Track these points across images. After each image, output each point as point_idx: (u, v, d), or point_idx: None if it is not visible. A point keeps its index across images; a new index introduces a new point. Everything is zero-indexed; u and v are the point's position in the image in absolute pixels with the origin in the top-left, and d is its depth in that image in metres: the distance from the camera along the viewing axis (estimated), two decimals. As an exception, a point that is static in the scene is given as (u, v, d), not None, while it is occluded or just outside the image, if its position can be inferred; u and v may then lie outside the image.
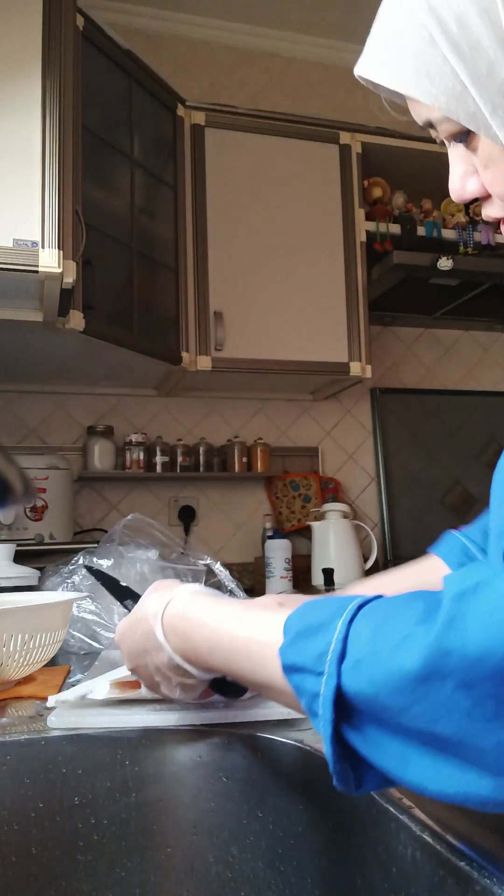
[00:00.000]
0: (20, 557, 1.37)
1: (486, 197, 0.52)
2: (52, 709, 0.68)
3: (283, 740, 0.58)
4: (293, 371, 2.38)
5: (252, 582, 2.47)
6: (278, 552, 2.38)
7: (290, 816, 0.57)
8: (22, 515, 1.99)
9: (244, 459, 2.55)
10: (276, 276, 2.37)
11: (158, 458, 2.46)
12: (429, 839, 0.39)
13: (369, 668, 0.37)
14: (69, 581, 1.13)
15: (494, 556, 0.57)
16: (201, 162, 2.35)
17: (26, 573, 1.28)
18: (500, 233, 0.56)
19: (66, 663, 0.99)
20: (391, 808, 0.44)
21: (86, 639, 1.07)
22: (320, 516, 2.51)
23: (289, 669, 0.41)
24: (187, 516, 2.56)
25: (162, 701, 0.65)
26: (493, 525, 0.58)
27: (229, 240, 2.33)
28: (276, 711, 0.62)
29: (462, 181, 0.52)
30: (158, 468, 2.46)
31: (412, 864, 0.41)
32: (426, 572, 0.71)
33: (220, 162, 2.37)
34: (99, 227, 1.92)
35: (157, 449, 2.47)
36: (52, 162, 1.60)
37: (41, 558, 1.65)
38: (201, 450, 2.53)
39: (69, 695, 0.69)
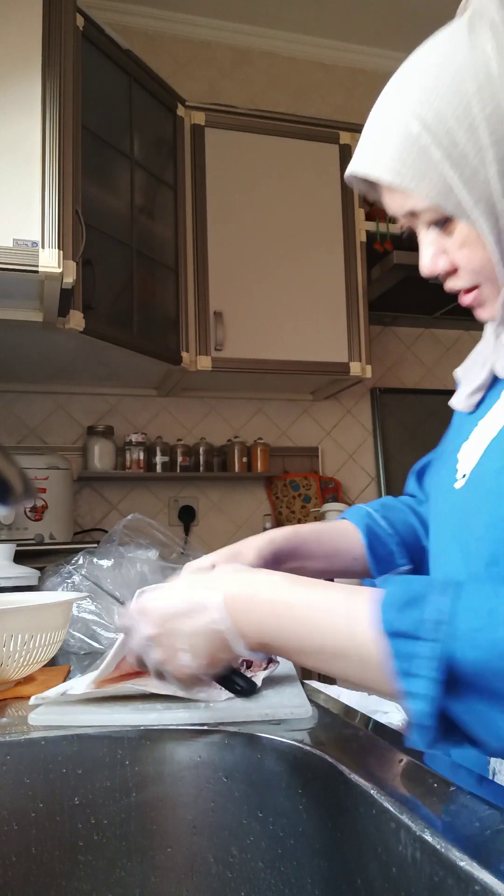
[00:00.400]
0: (20, 557, 1.37)
1: (453, 272, 0.62)
2: (36, 706, 0.68)
3: (283, 740, 0.58)
4: (293, 371, 2.38)
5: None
6: (278, 552, 2.38)
7: (290, 816, 0.57)
8: (22, 515, 1.99)
9: (244, 459, 2.55)
10: (276, 276, 2.37)
11: (158, 458, 2.46)
12: (429, 839, 0.39)
13: (482, 635, 0.42)
14: (69, 581, 1.13)
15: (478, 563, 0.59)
16: (201, 162, 2.35)
17: (26, 573, 1.28)
18: (461, 303, 0.66)
19: (66, 663, 0.99)
20: (391, 808, 0.44)
21: (86, 639, 1.07)
22: (320, 516, 2.51)
23: (391, 635, 0.45)
24: (187, 516, 2.56)
25: (145, 698, 0.65)
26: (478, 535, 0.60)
27: (229, 240, 2.33)
28: (274, 711, 0.62)
29: (434, 260, 0.62)
30: (158, 468, 2.46)
31: (412, 864, 0.41)
32: (341, 529, 0.83)
33: (220, 162, 2.37)
34: (99, 227, 1.92)
35: (157, 449, 2.47)
36: (52, 162, 1.60)
37: (41, 558, 1.65)
38: (201, 450, 2.53)
39: (50, 693, 0.69)
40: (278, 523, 2.64)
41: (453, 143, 0.55)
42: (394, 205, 0.62)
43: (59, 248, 1.57)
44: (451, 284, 0.64)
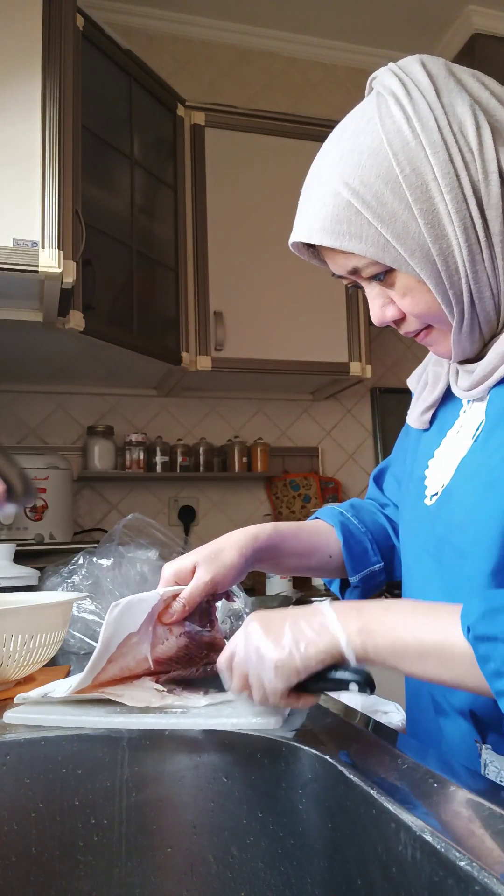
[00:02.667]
0: (20, 557, 1.37)
1: (402, 319, 0.68)
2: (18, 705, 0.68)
3: (284, 741, 0.58)
4: (293, 371, 2.38)
5: (252, 581, 2.47)
6: (278, 552, 2.38)
7: (290, 816, 0.56)
8: (22, 515, 1.99)
9: (244, 459, 2.55)
10: (276, 276, 2.37)
11: (158, 458, 2.46)
12: (429, 839, 0.39)
13: None
14: (69, 581, 1.13)
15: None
16: (201, 162, 2.35)
17: (26, 573, 1.28)
18: (419, 341, 0.71)
19: (66, 663, 0.99)
20: (391, 808, 0.44)
21: (86, 639, 1.07)
22: (320, 516, 2.50)
23: (479, 639, 0.49)
24: (187, 516, 2.56)
25: (122, 704, 0.65)
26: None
27: (229, 240, 2.33)
28: (238, 722, 0.61)
29: (382, 311, 0.68)
30: (158, 468, 2.46)
31: (412, 864, 0.41)
32: (317, 528, 0.87)
33: (220, 162, 2.37)
34: (99, 227, 1.92)
35: (157, 449, 2.47)
36: (52, 162, 1.60)
37: (41, 558, 1.65)
38: (201, 450, 2.53)
39: (32, 693, 0.69)
40: (278, 523, 2.64)
41: (381, 203, 0.61)
42: (337, 265, 0.67)
43: (59, 248, 1.57)
44: (404, 329, 0.69)
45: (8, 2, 1.61)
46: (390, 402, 2.89)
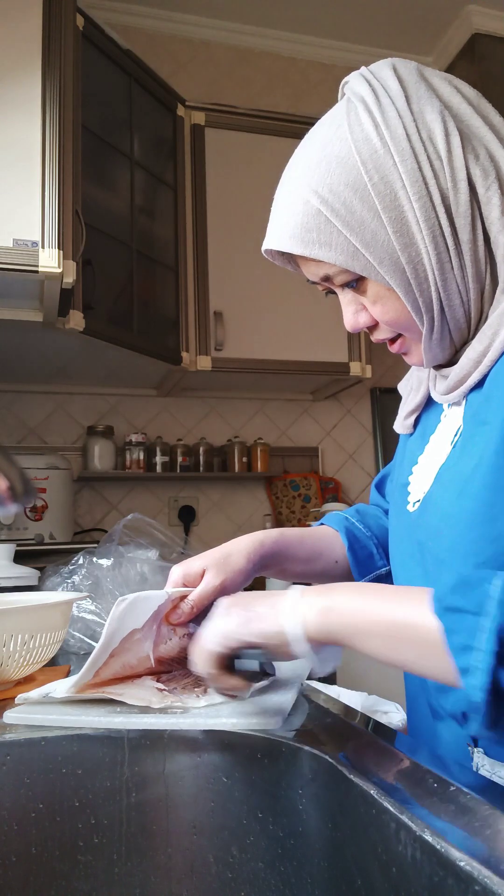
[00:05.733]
0: (20, 557, 1.37)
1: (375, 325, 0.69)
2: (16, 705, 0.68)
3: (284, 741, 0.58)
4: (293, 371, 2.38)
5: (252, 583, 2.47)
6: (278, 552, 2.38)
7: (290, 816, 0.56)
8: (22, 515, 1.99)
9: (244, 459, 2.55)
10: (276, 276, 2.36)
11: (158, 458, 2.46)
12: (429, 839, 0.39)
13: None
14: (69, 581, 1.13)
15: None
16: (201, 162, 2.35)
17: (26, 573, 1.28)
18: (391, 350, 0.72)
19: (66, 663, 0.99)
20: (391, 808, 0.44)
21: (86, 639, 1.07)
22: (320, 516, 2.50)
23: (446, 610, 0.48)
24: (187, 516, 2.56)
25: (122, 704, 0.65)
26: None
27: (229, 240, 2.33)
28: (238, 722, 0.61)
29: (355, 317, 0.68)
30: (158, 468, 2.46)
31: (412, 864, 0.41)
32: (322, 533, 0.88)
33: (220, 162, 2.37)
34: (99, 227, 1.92)
35: (157, 449, 2.47)
36: (52, 162, 1.60)
37: (41, 558, 1.65)
38: (201, 450, 2.53)
39: (33, 693, 0.69)
40: (278, 523, 2.64)
41: (350, 211, 0.61)
42: (310, 272, 0.68)
43: (59, 248, 1.57)
44: (375, 336, 0.70)
45: (8, 2, 1.61)
46: (390, 402, 2.89)
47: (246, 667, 0.61)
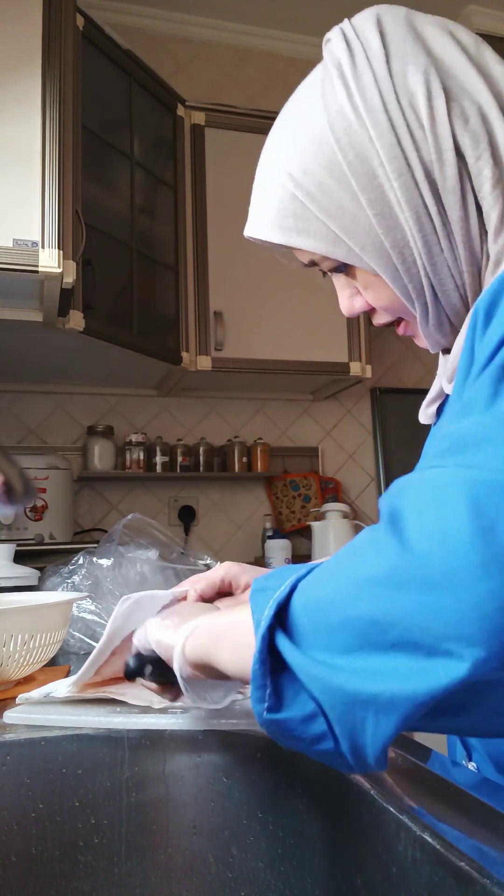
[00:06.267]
0: (20, 557, 1.37)
1: (372, 310, 0.63)
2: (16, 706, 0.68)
3: (283, 740, 0.58)
4: (293, 371, 2.38)
5: (252, 582, 2.47)
6: (278, 552, 2.39)
7: (290, 816, 0.57)
8: (22, 515, 1.99)
9: (244, 459, 2.55)
10: (276, 276, 2.37)
11: (158, 458, 2.46)
12: (429, 839, 0.39)
13: (323, 583, 0.40)
14: (69, 581, 1.13)
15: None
16: (201, 162, 2.35)
17: (26, 573, 1.28)
18: (398, 333, 0.67)
19: (66, 663, 0.99)
20: (391, 808, 0.44)
21: (86, 639, 1.07)
22: (320, 516, 2.51)
23: (254, 592, 0.44)
24: (187, 516, 2.56)
25: (122, 704, 0.65)
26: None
27: (229, 240, 2.33)
28: (238, 722, 0.61)
29: (350, 302, 0.64)
30: (158, 468, 2.46)
31: (412, 864, 0.41)
32: None
33: (220, 162, 2.37)
34: (99, 227, 1.92)
35: (157, 449, 2.47)
36: (52, 162, 1.60)
37: (41, 558, 1.65)
38: (201, 450, 2.53)
39: (34, 693, 0.69)
40: (278, 523, 2.64)
41: (326, 194, 0.55)
42: (299, 256, 0.63)
43: (59, 248, 1.57)
44: (376, 321, 0.65)
45: (8, 2, 1.61)
46: (390, 402, 2.89)
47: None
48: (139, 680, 0.60)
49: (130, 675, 0.58)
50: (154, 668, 0.58)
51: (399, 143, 0.53)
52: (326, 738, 0.40)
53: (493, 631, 0.33)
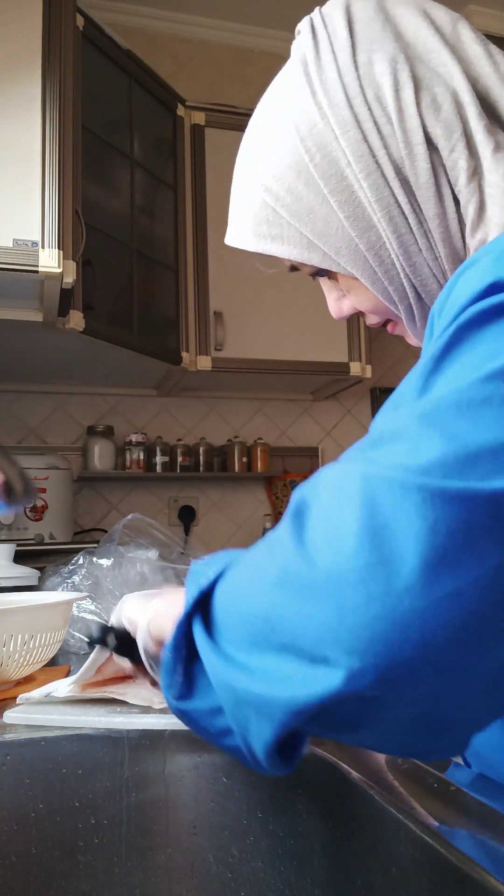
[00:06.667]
0: (20, 557, 1.37)
1: (361, 312, 0.61)
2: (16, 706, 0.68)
3: (283, 740, 0.58)
4: (293, 371, 2.38)
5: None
6: (278, 552, 2.38)
7: (290, 816, 0.57)
8: (22, 515, 1.99)
9: (244, 459, 2.55)
10: (276, 277, 2.36)
11: (158, 458, 2.46)
12: (429, 839, 0.39)
13: (242, 576, 0.39)
14: (69, 581, 1.13)
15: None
16: (201, 162, 2.35)
17: (26, 573, 1.28)
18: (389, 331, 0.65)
19: (66, 663, 0.99)
20: (391, 808, 0.44)
21: (86, 639, 1.07)
22: (320, 516, 2.50)
23: (190, 574, 0.44)
24: (187, 516, 2.56)
25: (122, 704, 0.65)
26: None
27: (229, 240, 2.33)
28: None
29: (338, 304, 0.62)
30: (158, 468, 2.46)
31: (412, 864, 0.41)
32: None
33: (220, 162, 2.37)
34: (99, 227, 1.92)
35: (157, 449, 2.47)
36: (52, 162, 1.60)
37: (41, 558, 1.65)
38: (201, 450, 2.53)
39: (34, 693, 0.69)
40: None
41: (297, 199, 0.53)
42: (284, 262, 0.61)
43: (59, 248, 1.57)
44: (368, 321, 0.63)
45: (8, 2, 1.61)
46: (390, 402, 2.89)
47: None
48: (115, 656, 0.61)
49: (93, 642, 0.59)
50: (121, 644, 0.59)
51: (366, 139, 0.50)
52: (231, 734, 0.39)
53: (370, 640, 0.31)
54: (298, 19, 0.59)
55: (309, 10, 0.58)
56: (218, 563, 0.42)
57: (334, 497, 0.35)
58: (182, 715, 0.42)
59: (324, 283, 0.62)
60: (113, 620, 0.60)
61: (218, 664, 0.38)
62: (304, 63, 0.53)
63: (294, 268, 0.60)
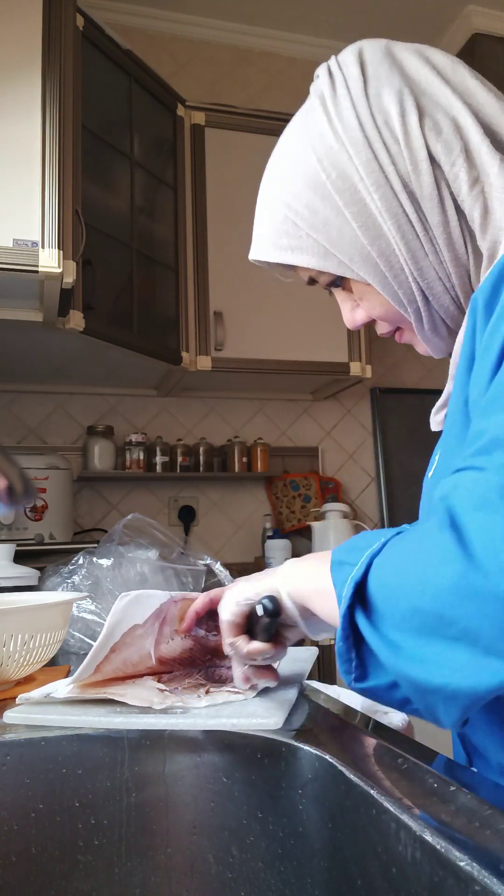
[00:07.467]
0: (20, 557, 1.37)
1: (373, 321, 0.68)
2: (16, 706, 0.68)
3: (284, 741, 0.58)
4: (293, 371, 2.38)
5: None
6: (278, 552, 2.38)
7: (290, 816, 0.56)
8: (22, 515, 1.99)
9: (244, 459, 2.55)
10: (277, 277, 2.36)
11: (158, 458, 2.46)
12: (429, 839, 0.39)
13: (395, 565, 0.45)
14: (69, 581, 1.13)
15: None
16: (201, 162, 2.35)
17: (26, 573, 1.28)
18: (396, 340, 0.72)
19: (66, 663, 0.99)
20: (391, 808, 0.44)
21: (86, 639, 1.07)
22: (320, 516, 2.51)
23: (334, 565, 0.51)
24: (187, 516, 2.56)
25: (123, 704, 0.65)
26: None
27: (229, 240, 2.33)
28: (238, 723, 0.61)
29: (351, 314, 0.69)
30: (158, 468, 2.46)
31: (412, 864, 0.41)
32: None
33: (220, 162, 2.37)
34: (99, 227, 1.92)
35: (157, 449, 2.47)
36: (52, 162, 1.60)
37: (41, 558, 1.65)
38: (201, 450, 2.53)
39: (34, 693, 0.69)
40: (278, 523, 2.64)
41: (313, 212, 0.61)
42: (301, 274, 0.69)
43: (59, 248, 1.57)
44: (378, 330, 0.70)
45: (8, 2, 1.61)
46: (390, 402, 2.89)
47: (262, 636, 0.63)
48: (248, 645, 0.62)
49: (271, 615, 0.60)
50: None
51: (376, 157, 0.58)
52: (411, 702, 0.47)
53: None
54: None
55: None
56: (357, 549, 0.49)
57: (486, 508, 0.41)
58: (362, 692, 0.49)
59: (338, 294, 0.68)
60: (231, 616, 0.62)
61: (390, 654, 0.44)
62: (321, 97, 0.61)
63: (312, 280, 0.67)
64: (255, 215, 0.68)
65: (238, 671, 0.65)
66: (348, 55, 0.62)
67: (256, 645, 0.62)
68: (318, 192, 0.60)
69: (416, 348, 0.69)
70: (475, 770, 0.62)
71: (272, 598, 0.58)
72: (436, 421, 0.75)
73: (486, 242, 0.57)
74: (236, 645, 0.62)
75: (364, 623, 0.46)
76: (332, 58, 0.64)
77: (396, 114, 0.57)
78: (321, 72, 0.64)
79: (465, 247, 0.59)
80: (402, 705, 0.48)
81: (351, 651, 0.47)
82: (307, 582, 0.57)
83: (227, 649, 0.63)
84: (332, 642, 0.63)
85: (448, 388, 0.72)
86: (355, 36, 2.55)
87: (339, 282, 0.65)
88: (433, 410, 0.76)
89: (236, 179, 2.37)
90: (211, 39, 2.84)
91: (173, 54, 2.79)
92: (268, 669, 0.65)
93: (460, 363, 0.57)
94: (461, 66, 0.62)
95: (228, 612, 0.62)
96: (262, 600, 0.58)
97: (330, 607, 0.53)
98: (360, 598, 0.46)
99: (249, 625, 0.63)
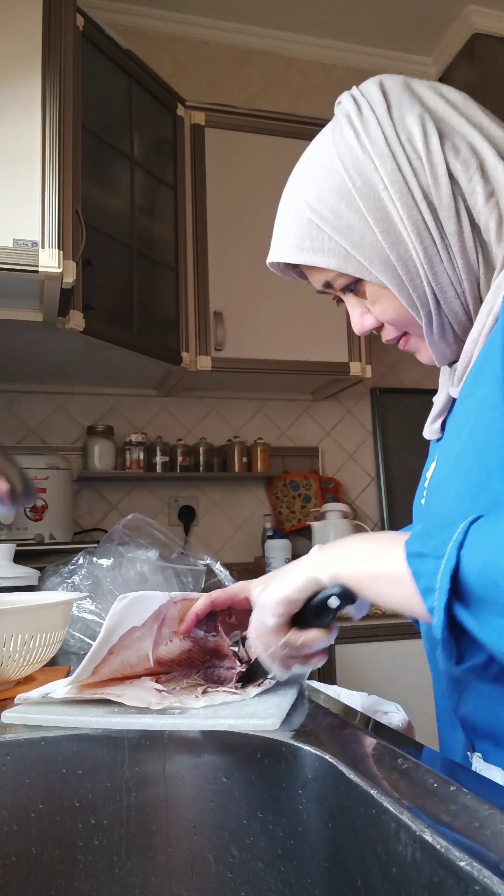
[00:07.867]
0: (20, 557, 1.37)
1: (381, 327, 0.72)
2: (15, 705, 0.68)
3: (284, 741, 0.58)
4: (293, 371, 2.38)
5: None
6: (278, 552, 2.38)
7: (290, 816, 0.56)
8: (22, 515, 1.99)
9: (244, 459, 2.55)
10: (276, 276, 2.36)
11: (158, 458, 2.46)
12: (429, 839, 0.39)
13: (487, 553, 0.47)
14: (69, 581, 1.13)
15: None
16: (201, 162, 2.35)
17: (26, 573, 1.28)
18: (401, 348, 0.75)
19: (66, 663, 0.99)
20: (391, 808, 0.44)
21: (86, 639, 1.07)
22: (320, 516, 2.51)
23: (411, 556, 0.51)
24: (187, 516, 2.56)
25: (120, 704, 0.65)
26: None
27: (229, 240, 2.33)
28: (236, 723, 0.61)
29: (361, 320, 0.72)
30: (158, 468, 2.46)
31: (412, 864, 0.41)
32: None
33: (220, 162, 2.37)
34: (99, 227, 1.92)
35: (157, 449, 2.47)
36: (52, 162, 1.60)
37: (41, 558, 1.65)
38: (201, 450, 2.53)
39: (33, 694, 0.69)
40: (278, 523, 2.64)
41: (337, 216, 0.65)
42: (314, 280, 0.72)
43: (59, 248, 1.57)
44: (384, 337, 0.73)
45: (8, 2, 1.61)
46: (390, 402, 2.89)
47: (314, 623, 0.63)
48: (304, 634, 0.62)
49: (346, 601, 0.60)
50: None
51: (399, 169, 0.63)
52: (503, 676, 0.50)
53: None
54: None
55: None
56: (431, 540, 0.51)
57: None
58: (459, 671, 0.52)
59: (349, 299, 0.72)
60: (277, 618, 0.62)
61: (498, 640, 0.47)
62: (347, 116, 0.66)
63: (327, 285, 0.70)
64: (277, 220, 0.71)
65: (276, 663, 0.65)
66: (370, 84, 0.68)
67: (314, 632, 0.62)
68: (344, 197, 0.64)
69: (417, 356, 0.72)
70: (479, 754, 0.62)
71: (342, 588, 0.59)
72: (431, 430, 0.77)
73: (503, 250, 0.63)
74: (290, 640, 0.62)
75: (463, 612, 0.48)
76: (354, 87, 0.69)
77: (419, 134, 0.63)
78: (344, 98, 0.69)
79: (477, 257, 0.63)
80: (494, 680, 0.51)
81: (451, 640, 0.49)
82: (359, 567, 0.57)
83: (267, 650, 0.63)
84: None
85: (441, 396, 0.73)
86: (355, 36, 2.57)
87: (354, 286, 0.69)
88: (429, 420, 0.78)
89: (236, 179, 2.37)
90: (211, 39, 2.84)
91: (173, 54, 2.79)
92: (319, 651, 0.66)
93: (484, 356, 0.61)
94: (472, 101, 0.68)
95: (274, 614, 0.62)
96: (333, 590, 0.59)
97: (388, 593, 0.54)
98: (454, 588, 0.48)
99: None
